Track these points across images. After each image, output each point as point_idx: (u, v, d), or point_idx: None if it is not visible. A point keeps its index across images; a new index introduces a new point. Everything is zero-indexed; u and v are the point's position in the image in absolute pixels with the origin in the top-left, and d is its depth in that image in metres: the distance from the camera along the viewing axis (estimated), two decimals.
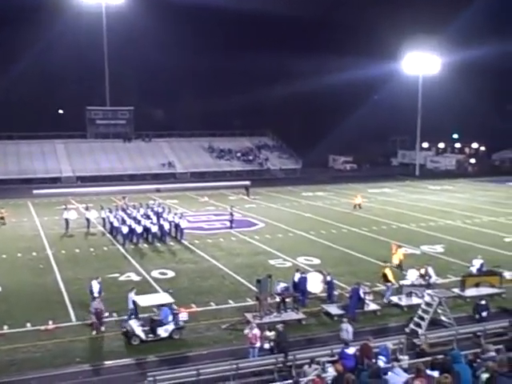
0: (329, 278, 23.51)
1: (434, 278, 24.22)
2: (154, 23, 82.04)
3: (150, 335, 19.81)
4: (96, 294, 22.21)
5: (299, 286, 22.98)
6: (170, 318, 20.14)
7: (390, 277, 23.77)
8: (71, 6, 76.07)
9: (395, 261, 27.40)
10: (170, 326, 20.02)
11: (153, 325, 19.97)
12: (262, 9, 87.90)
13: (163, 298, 21.23)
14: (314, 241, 35.62)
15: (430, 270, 24.43)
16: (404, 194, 58.19)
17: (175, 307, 20.86)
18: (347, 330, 18.37)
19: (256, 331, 18.09)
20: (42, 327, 20.98)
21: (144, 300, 20.89)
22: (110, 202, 48.66)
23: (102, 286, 23.01)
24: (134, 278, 27.45)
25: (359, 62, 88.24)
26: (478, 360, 13.38)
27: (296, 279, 23.23)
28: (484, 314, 20.42)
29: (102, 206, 41.39)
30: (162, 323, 19.97)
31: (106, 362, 18.24)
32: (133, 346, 19.37)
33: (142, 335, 19.70)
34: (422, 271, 24.35)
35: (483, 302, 20.77)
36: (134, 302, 21.21)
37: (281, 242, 35.54)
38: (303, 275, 23.35)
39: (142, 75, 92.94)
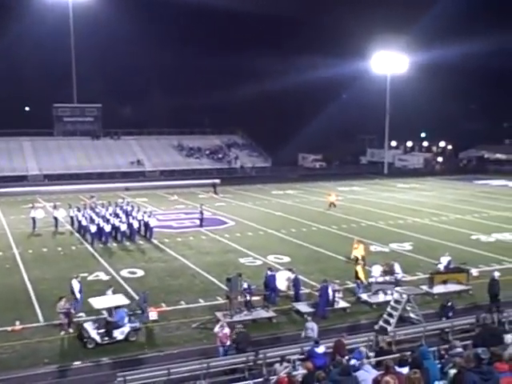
0: (293, 276, 23.53)
1: (400, 275, 24.45)
2: (122, 20, 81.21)
3: (106, 338, 19.29)
4: (77, 294, 22.07)
5: (269, 284, 23.00)
6: (126, 319, 19.75)
7: (361, 274, 23.96)
8: (37, 2, 74.99)
9: (357, 254, 28.06)
10: (126, 328, 19.60)
11: (108, 327, 19.45)
12: (232, 7, 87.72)
13: (119, 299, 20.67)
14: (284, 239, 35.71)
15: (397, 267, 24.66)
16: (373, 192, 58.71)
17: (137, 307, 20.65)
18: (312, 328, 18.40)
19: (226, 330, 18.07)
20: (9, 328, 20.58)
21: (99, 302, 20.28)
22: (78, 201, 48.08)
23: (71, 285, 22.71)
24: (103, 277, 27.17)
25: (328, 61, 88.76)
26: (446, 356, 13.56)
27: (266, 277, 23.26)
28: (450, 314, 20.64)
29: (70, 205, 40.92)
30: (117, 325, 19.50)
31: (75, 363, 18.01)
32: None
33: (98, 338, 19.19)
34: (387, 267, 24.58)
35: (449, 304, 21.00)
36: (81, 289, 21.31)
37: (251, 240, 35.54)
38: (272, 273, 23.38)
39: (110, 72, 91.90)
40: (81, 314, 21.46)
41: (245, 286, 22.16)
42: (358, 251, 28.41)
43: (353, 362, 14.80)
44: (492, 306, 20.69)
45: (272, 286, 23.04)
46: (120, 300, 20.58)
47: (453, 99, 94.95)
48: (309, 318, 19.26)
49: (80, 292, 22.24)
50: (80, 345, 19.25)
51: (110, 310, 19.86)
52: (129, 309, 20.44)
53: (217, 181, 62.34)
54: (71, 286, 22.42)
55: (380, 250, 32.46)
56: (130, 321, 19.88)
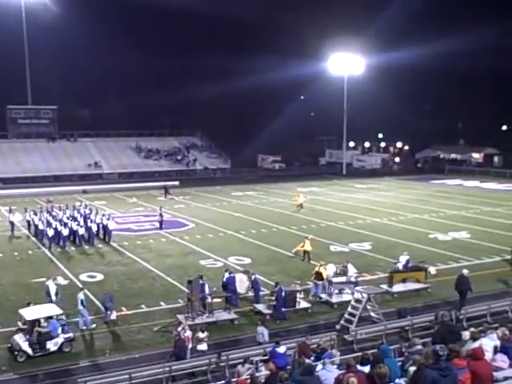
0: (253, 278, 23.54)
1: (354, 275, 24.53)
2: (77, 20, 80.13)
3: (38, 350, 18.54)
4: (53, 297, 21.85)
5: (228, 286, 22.92)
6: (59, 330, 19.06)
7: (325, 275, 24.06)
8: None
9: (307, 247, 30.03)
10: (60, 339, 18.94)
11: (40, 338, 18.67)
12: (192, 7, 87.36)
13: (51, 309, 19.96)
14: (244, 240, 35.74)
15: (350, 267, 24.88)
16: (332, 193, 59.21)
17: (64, 318, 20.05)
18: (262, 333, 18.34)
19: (188, 333, 17.98)
20: None
21: (30, 312, 19.37)
22: (34, 204, 47.16)
23: (32, 290, 22.31)
24: (62, 281, 26.66)
25: (286, 62, 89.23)
26: (406, 354, 13.76)
27: (224, 279, 23.19)
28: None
29: (26, 209, 40.11)
30: (50, 336, 18.79)
31: (33, 370, 17.65)
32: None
33: (29, 351, 18.39)
34: (340, 268, 24.80)
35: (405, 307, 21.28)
36: (83, 302, 20.82)
37: (211, 242, 35.45)
38: (231, 275, 23.31)
39: (66, 73, 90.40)
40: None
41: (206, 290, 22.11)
42: (305, 247, 30.10)
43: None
44: (462, 302, 21.40)
45: (232, 287, 22.96)
46: (53, 310, 19.90)
47: (408, 100, 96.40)
48: (259, 323, 19.14)
49: (56, 294, 22.02)
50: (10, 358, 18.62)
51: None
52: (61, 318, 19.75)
53: (168, 183, 62.05)
54: (47, 287, 22.22)
55: (340, 250, 32.78)
56: (63, 331, 19.17)
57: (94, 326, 21.08)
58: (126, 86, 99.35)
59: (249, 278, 23.65)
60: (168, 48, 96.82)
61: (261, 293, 23.56)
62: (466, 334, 13.92)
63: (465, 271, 22.99)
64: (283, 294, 22.07)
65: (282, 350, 16.26)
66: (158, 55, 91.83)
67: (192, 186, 65.05)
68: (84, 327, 20.87)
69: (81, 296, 21.16)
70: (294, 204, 47.81)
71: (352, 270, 24.77)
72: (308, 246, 30.20)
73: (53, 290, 22.15)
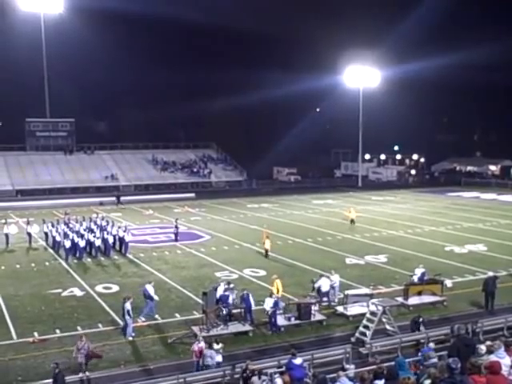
0: (244, 293, 22.83)
1: (317, 285, 24.40)
2: (95, 34, 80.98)
3: None
4: (155, 297, 23.36)
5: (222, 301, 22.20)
6: None
7: (276, 289, 23.72)
8: (8, 15, 74.49)
9: (267, 246, 33.74)
10: None
11: None
12: (206, 22, 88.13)
13: None
14: (259, 252, 35.69)
15: (323, 280, 24.63)
16: (348, 205, 58.91)
17: None
18: (211, 356, 17.55)
19: (202, 344, 17.99)
20: None
21: None
22: (51, 216, 47.55)
23: (48, 301, 22.49)
24: (78, 293, 26.90)
25: (302, 75, 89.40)
26: (421, 367, 13.67)
27: (221, 292, 22.55)
28: (422, 329, 20.73)
29: (44, 220, 40.45)
30: None
31: (49, 380, 17.72)
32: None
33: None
34: (332, 278, 24.77)
35: (420, 320, 21.10)
36: (129, 312, 20.94)
37: (227, 254, 35.50)
38: (225, 293, 22.44)
39: (83, 87, 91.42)
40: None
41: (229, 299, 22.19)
42: (267, 244, 33.50)
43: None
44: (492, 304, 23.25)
45: (248, 305, 22.77)
46: None
47: (425, 112, 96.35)
48: (206, 346, 18.09)
49: (150, 299, 23.24)
50: (59, 361, 18.92)
51: None
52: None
53: (118, 193, 63.02)
54: (146, 290, 23.25)
55: (355, 263, 32.66)
56: None
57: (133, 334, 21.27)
58: (143, 99, 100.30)
59: (229, 290, 22.93)
60: (184, 62, 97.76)
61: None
62: (482, 348, 13.82)
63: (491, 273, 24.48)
64: (251, 300, 22.17)
65: (298, 361, 16.20)
66: (174, 69, 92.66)
67: (208, 198, 65.26)
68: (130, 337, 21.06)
69: (127, 306, 21.13)
70: (347, 219, 46.48)
71: (324, 283, 24.47)
72: (267, 245, 33.95)
73: (152, 291, 23.29)
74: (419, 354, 16.77)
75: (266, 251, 34.47)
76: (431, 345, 16.79)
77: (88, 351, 18.07)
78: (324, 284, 24.45)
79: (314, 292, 24.43)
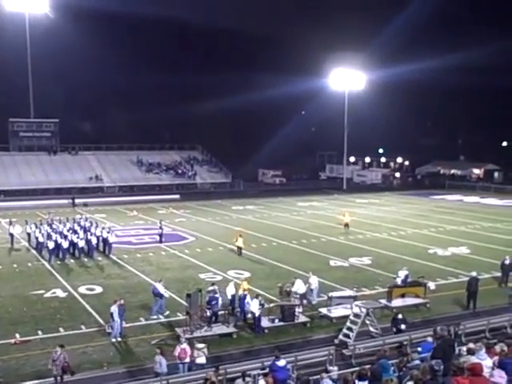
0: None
1: (301, 291, 24.22)
2: (80, 34, 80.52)
3: None
4: (165, 294, 23.98)
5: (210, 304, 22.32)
6: None
7: (243, 291, 23.66)
8: None
9: (240, 244, 34.75)
10: None
11: None
12: (194, 23, 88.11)
13: None
14: (244, 254, 35.65)
15: (298, 282, 24.49)
16: (332, 208, 59.20)
17: None
18: (160, 362, 17.31)
19: (184, 346, 17.92)
20: None
21: None
22: (35, 217, 47.17)
23: (30, 302, 22.28)
24: (60, 294, 26.71)
25: (287, 78, 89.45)
26: (404, 368, 13.73)
27: (207, 298, 22.51)
28: (403, 326, 20.85)
29: (27, 221, 40.13)
30: None
31: (32, 382, 17.58)
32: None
33: None
34: (285, 288, 24.52)
35: (400, 316, 21.22)
36: (112, 315, 20.90)
37: (211, 255, 35.44)
38: (215, 295, 22.52)
39: (68, 87, 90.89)
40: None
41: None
42: (238, 242, 34.35)
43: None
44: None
45: (243, 304, 22.85)
46: None
47: (409, 116, 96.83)
48: (158, 351, 17.84)
49: (160, 296, 23.68)
50: (41, 363, 18.77)
51: None
52: None
53: (74, 196, 62.64)
54: (155, 288, 23.70)
55: (340, 265, 32.76)
56: None
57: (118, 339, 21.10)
58: (128, 100, 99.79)
59: (213, 292, 22.86)
60: (170, 63, 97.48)
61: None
62: (463, 350, 13.92)
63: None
64: (220, 300, 22.27)
65: (281, 363, 16.19)
66: (159, 70, 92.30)
67: (192, 199, 65.12)
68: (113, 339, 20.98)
69: (114, 309, 21.06)
70: (341, 224, 45.65)
71: (300, 286, 24.46)
72: (240, 243, 34.80)
73: (162, 289, 23.78)
74: (419, 348, 16.85)
75: (239, 249, 35.22)
76: (429, 339, 16.85)
77: (63, 363, 17.19)
78: (300, 286, 24.41)
79: (282, 296, 24.14)
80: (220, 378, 16.52)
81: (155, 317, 23.32)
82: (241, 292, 23.58)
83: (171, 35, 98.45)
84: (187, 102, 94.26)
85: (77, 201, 61.00)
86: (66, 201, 61.56)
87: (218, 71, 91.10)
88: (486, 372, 11.34)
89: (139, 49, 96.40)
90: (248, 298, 22.60)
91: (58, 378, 17.26)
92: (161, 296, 23.74)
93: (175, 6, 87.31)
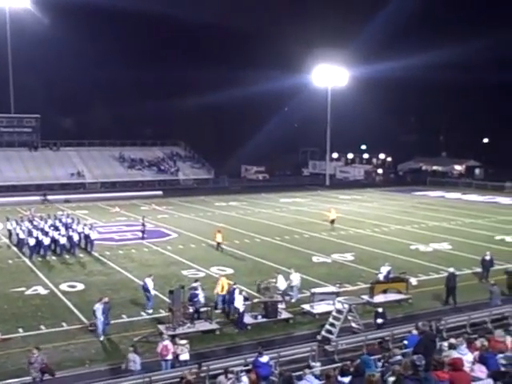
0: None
1: (282, 287, 24.20)
2: (61, 29, 79.80)
3: None
4: (152, 291, 23.76)
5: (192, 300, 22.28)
6: None
7: (221, 288, 23.68)
8: None
9: (219, 239, 35.37)
10: None
11: None
12: (174, 18, 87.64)
13: None
14: (227, 250, 35.64)
15: (280, 278, 24.50)
16: (315, 204, 59.34)
17: None
18: (134, 360, 17.16)
19: (166, 342, 17.84)
20: None
21: None
22: (15, 213, 46.74)
23: (11, 300, 22.08)
24: (42, 291, 26.51)
25: (270, 74, 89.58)
26: (386, 364, 13.81)
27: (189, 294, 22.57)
28: (379, 321, 20.98)
29: (8, 218, 39.72)
30: None
31: (13, 380, 17.42)
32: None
33: None
34: (265, 284, 24.18)
35: (380, 310, 21.33)
36: (94, 313, 20.69)
37: (194, 252, 35.37)
38: (196, 291, 22.46)
39: (49, 82, 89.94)
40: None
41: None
42: (217, 238, 35.19)
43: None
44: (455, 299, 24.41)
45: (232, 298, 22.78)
46: None
47: (392, 112, 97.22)
48: (131, 349, 17.59)
49: (150, 290, 23.69)
50: (22, 361, 18.60)
51: None
52: None
53: (45, 192, 61.83)
54: (145, 284, 23.64)
55: (323, 261, 32.85)
56: None
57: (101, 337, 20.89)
58: (110, 96, 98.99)
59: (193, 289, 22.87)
60: (152, 58, 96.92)
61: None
62: (445, 345, 14.03)
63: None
64: (200, 296, 22.20)
65: (264, 359, 16.20)
66: (142, 65, 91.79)
67: (175, 196, 64.90)
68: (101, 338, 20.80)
69: (97, 307, 20.88)
70: (327, 220, 45.43)
71: (282, 282, 24.49)
72: (219, 238, 35.45)
73: (151, 285, 23.68)
74: (405, 341, 16.99)
75: (218, 244, 35.65)
76: (414, 332, 16.98)
77: (41, 365, 16.69)
78: (280, 282, 24.42)
79: (260, 293, 24.07)
80: (202, 374, 16.54)
81: (151, 311, 23.55)
82: (219, 289, 23.61)
83: (154, 30, 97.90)
84: (170, 97, 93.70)
85: (58, 197, 60.54)
86: (49, 197, 60.79)
87: (201, 67, 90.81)
88: (466, 367, 11.45)
89: (121, 43, 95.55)
90: (237, 293, 22.53)
91: (38, 379, 16.75)
92: (149, 291, 23.80)
93: (158, 2, 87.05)
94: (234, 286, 23.12)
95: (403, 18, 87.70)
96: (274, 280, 24.51)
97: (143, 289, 24.02)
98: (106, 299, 21.46)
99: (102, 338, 20.63)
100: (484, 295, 24.49)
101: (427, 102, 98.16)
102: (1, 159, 74.55)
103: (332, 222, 44.61)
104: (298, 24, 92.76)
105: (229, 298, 22.98)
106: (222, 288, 23.69)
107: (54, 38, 79.98)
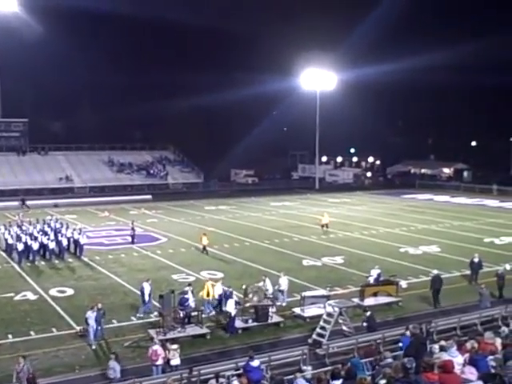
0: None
1: (270, 291, 24.07)
2: (50, 33, 79.47)
3: None
4: (146, 297, 23.51)
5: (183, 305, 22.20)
6: None
7: (206, 293, 23.66)
8: None
9: (204, 242, 35.53)
10: None
11: None
12: (164, 21, 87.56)
13: None
14: (217, 254, 35.62)
15: (267, 282, 24.48)
16: (305, 207, 59.40)
17: None
18: (114, 368, 17.05)
19: (156, 347, 17.79)
20: None
21: None
22: (3, 218, 46.44)
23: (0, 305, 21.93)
24: (31, 297, 26.37)
25: (259, 78, 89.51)
26: (377, 367, 13.84)
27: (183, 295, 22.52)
28: (364, 324, 21.01)
29: None
30: None
31: None
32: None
33: None
34: (261, 283, 24.18)
35: (368, 314, 21.33)
36: (87, 320, 20.51)
37: (184, 256, 35.31)
38: (185, 296, 22.38)
39: (38, 86, 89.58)
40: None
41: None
42: (203, 241, 35.42)
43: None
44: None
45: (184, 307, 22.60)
46: None
47: (380, 116, 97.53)
48: (112, 356, 17.58)
49: (149, 295, 23.70)
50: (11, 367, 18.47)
51: None
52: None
53: (23, 197, 61.14)
54: (142, 288, 23.57)
55: (312, 264, 32.89)
56: None
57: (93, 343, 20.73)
58: (98, 100, 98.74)
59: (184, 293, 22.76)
60: (141, 62, 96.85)
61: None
62: (435, 347, 14.08)
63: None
64: (190, 301, 22.15)
65: (255, 363, 16.19)
66: (131, 69, 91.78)
67: (165, 200, 64.71)
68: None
69: (89, 315, 20.67)
70: (319, 224, 44.96)
71: (269, 286, 24.35)
72: (205, 241, 35.60)
73: (147, 290, 23.54)
74: (400, 344, 17.04)
75: (204, 247, 35.81)
76: (408, 333, 17.04)
77: (28, 375, 16.20)
78: (268, 286, 24.31)
79: (248, 298, 24.02)
80: (193, 379, 16.51)
81: (142, 315, 23.48)
82: (204, 293, 23.60)
83: (142, 34, 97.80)
84: (158, 101, 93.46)
85: (46, 202, 60.23)
86: (35, 202, 60.39)
87: (190, 70, 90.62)
88: (457, 369, 11.49)
89: (110, 47, 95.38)
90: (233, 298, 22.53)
91: None
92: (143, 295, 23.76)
93: (147, 4, 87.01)
94: (231, 290, 23.07)
95: (391, 22, 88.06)
96: (261, 284, 24.37)
97: (141, 293, 23.92)
98: (99, 305, 21.33)
99: (94, 347, 20.44)
100: (473, 297, 24.62)
101: (415, 106, 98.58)
102: None
103: (324, 226, 44.38)
104: (286, 28, 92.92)
105: (225, 303, 22.76)
106: (208, 293, 23.64)
107: (42, 42, 79.53)
